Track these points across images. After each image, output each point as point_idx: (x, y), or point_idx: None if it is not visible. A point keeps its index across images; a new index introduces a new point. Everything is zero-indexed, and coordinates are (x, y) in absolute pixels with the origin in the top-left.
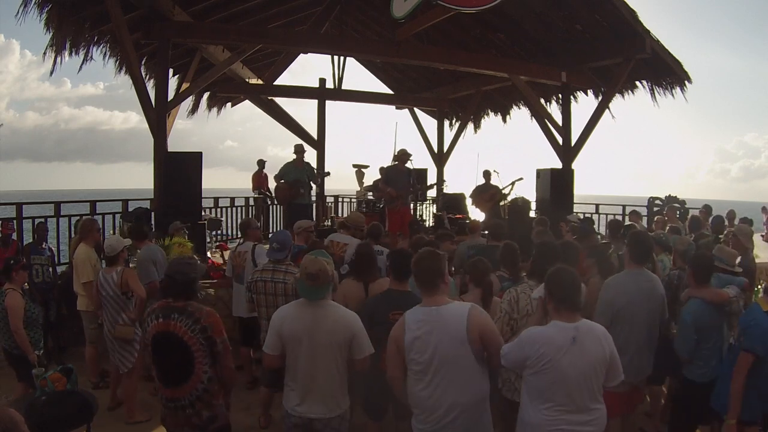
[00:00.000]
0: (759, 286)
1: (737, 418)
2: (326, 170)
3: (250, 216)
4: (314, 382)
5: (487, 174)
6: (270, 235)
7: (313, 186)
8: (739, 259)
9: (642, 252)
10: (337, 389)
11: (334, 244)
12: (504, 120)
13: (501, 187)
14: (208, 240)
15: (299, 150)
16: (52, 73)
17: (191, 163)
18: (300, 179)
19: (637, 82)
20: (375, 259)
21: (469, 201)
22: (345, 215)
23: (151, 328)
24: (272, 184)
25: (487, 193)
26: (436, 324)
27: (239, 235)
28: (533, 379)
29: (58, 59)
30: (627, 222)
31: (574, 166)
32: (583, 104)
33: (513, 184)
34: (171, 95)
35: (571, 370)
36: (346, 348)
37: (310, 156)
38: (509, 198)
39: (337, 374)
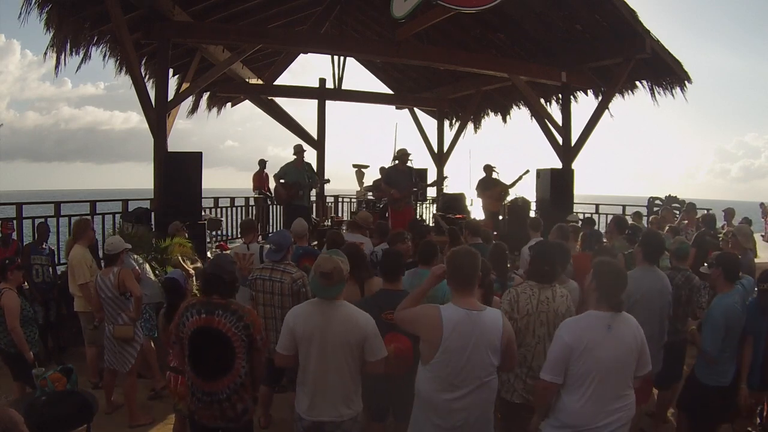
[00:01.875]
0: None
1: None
2: (326, 178)
3: (250, 216)
4: (325, 383)
5: (488, 168)
6: (269, 236)
7: (314, 187)
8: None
9: (654, 251)
10: (349, 391)
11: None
12: (504, 120)
13: (508, 183)
14: (208, 240)
15: (299, 150)
16: (56, 74)
17: (191, 163)
18: (300, 181)
19: (637, 82)
20: (364, 257)
21: (470, 195)
22: (343, 215)
23: (191, 323)
24: (272, 184)
25: (495, 191)
26: (475, 329)
27: (239, 235)
28: (570, 367)
29: (61, 60)
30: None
31: (574, 166)
32: (583, 104)
33: (520, 177)
34: (171, 95)
35: (607, 358)
36: (358, 349)
37: (310, 156)
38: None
39: (349, 376)
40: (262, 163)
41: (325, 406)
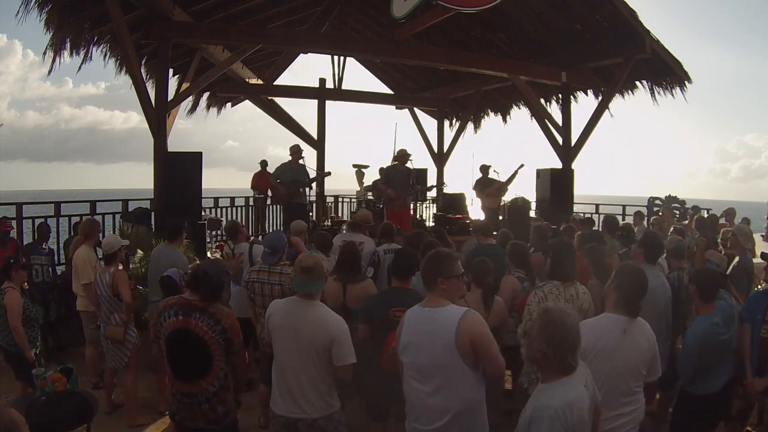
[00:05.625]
0: (759, 287)
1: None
2: (327, 170)
3: (249, 216)
4: (294, 381)
5: (484, 168)
6: (264, 237)
7: (312, 187)
8: (737, 260)
9: (655, 253)
10: (321, 390)
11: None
12: (504, 120)
13: (504, 180)
14: (208, 240)
15: (295, 151)
16: (50, 73)
17: (191, 163)
18: (297, 179)
19: (637, 82)
20: (357, 259)
21: (470, 195)
22: (343, 215)
23: (168, 324)
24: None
25: (493, 188)
26: (428, 327)
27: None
28: None
29: (57, 59)
30: (625, 222)
31: (574, 166)
32: (583, 104)
33: (516, 172)
34: (171, 95)
35: (619, 361)
36: (326, 352)
37: (310, 156)
38: (510, 187)
39: (318, 376)
40: (264, 164)
41: (296, 404)
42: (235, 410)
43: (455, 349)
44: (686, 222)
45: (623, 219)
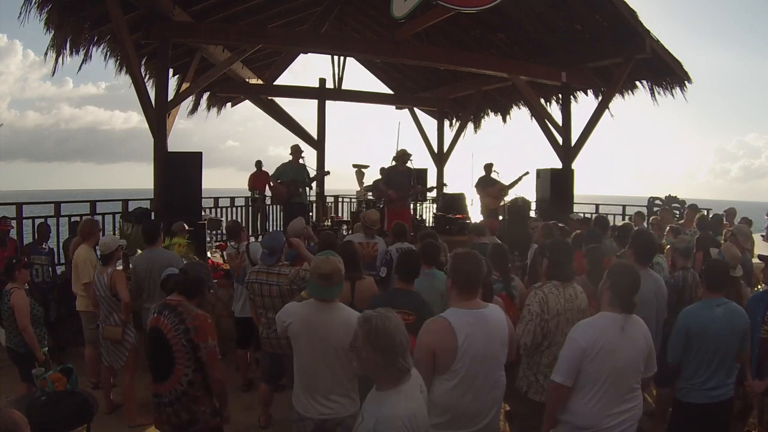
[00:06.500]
0: (759, 287)
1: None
2: (326, 169)
3: (248, 216)
4: (321, 382)
5: (487, 167)
6: (262, 238)
7: (312, 186)
8: None
9: (646, 252)
10: (347, 388)
11: (364, 245)
12: (504, 120)
13: (507, 183)
14: (208, 240)
15: (295, 151)
16: (53, 73)
17: (191, 163)
18: (297, 178)
19: (637, 82)
20: (358, 257)
21: (471, 194)
22: (343, 215)
23: (148, 323)
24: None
25: (495, 188)
26: (484, 326)
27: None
28: (582, 369)
29: (60, 60)
30: (625, 222)
31: (574, 166)
32: (583, 104)
33: (520, 178)
34: (171, 95)
35: (620, 358)
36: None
37: (311, 156)
38: (511, 192)
39: (344, 374)
40: (259, 164)
41: (323, 404)
42: (207, 421)
43: (506, 344)
44: (682, 222)
45: (623, 219)
